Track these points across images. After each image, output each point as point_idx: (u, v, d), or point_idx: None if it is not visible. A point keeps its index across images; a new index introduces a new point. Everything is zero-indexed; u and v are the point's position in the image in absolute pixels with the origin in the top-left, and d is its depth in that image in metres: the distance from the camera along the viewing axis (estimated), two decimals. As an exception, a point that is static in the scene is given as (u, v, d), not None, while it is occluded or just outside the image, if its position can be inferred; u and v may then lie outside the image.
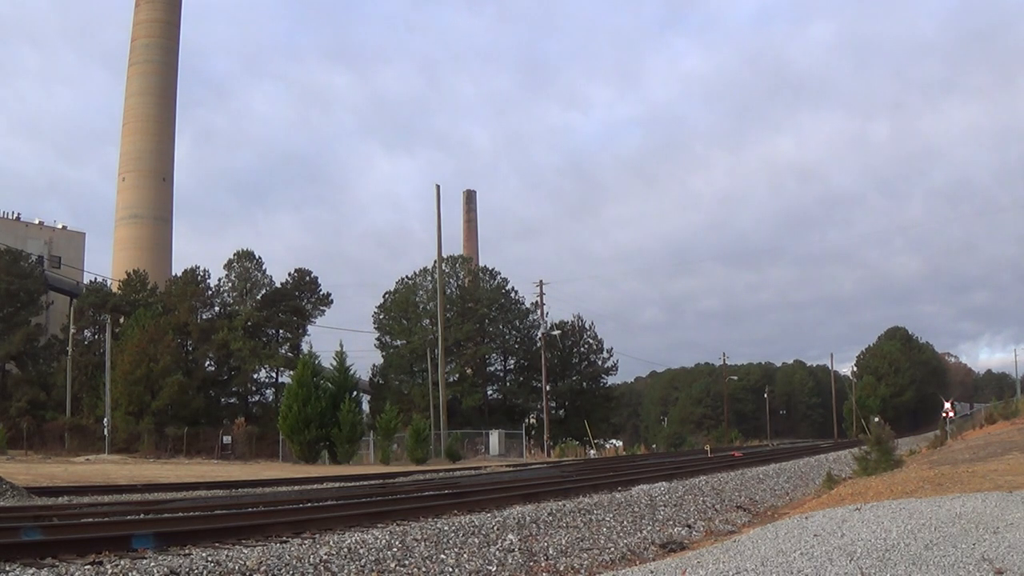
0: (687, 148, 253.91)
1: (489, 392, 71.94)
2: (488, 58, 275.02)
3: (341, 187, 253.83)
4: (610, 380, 78.52)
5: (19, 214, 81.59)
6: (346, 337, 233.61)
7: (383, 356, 70.69)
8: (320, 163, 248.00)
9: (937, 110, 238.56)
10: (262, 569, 7.81)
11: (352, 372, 43.01)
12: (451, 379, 64.34)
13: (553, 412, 69.01)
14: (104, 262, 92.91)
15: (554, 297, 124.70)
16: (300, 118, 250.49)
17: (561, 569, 9.07)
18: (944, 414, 38.84)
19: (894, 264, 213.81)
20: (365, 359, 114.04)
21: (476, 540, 10.06)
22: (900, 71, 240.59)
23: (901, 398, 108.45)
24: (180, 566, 7.59)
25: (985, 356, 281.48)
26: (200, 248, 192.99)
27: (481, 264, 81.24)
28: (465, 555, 9.23)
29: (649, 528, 12.19)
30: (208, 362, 62.48)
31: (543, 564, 9.26)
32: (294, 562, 8.15)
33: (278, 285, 64.45)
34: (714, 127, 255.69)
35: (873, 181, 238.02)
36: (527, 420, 68.97)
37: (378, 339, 70.84)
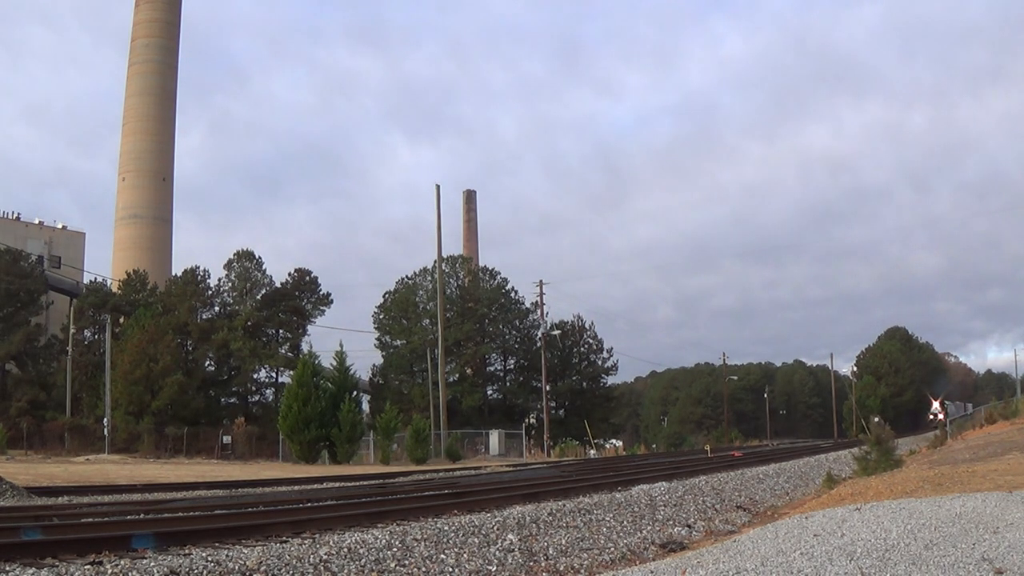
0: (719, 138, 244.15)
1: (489, 392, 71.95)
2: (522, 40, 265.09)
3: (359, 178, 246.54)
4: (610, 380, 78.80)
5: (19, 214, 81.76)
6: (346, 337, 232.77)
7: (383, 356, 70.76)
8: (338, 153, 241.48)
9: (978, 98, 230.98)
10: (262, 569, 7.81)
11: (352, 372, 43.05)
12: (451, 379, 64.36)
13: (553, 412, 68.98)
14: (104, 262, 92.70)
15: (565, 294, 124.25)
16: (321, 104, 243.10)
17: (561, 569, 9.08)
18: (931, 415, 34.95)
19: (913, 260, 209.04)
20: (365, 359, 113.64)
21: (476, 540, 10.06)
22: (945, 57, 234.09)
23: (901, 398, 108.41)
24: (180, 566, 7.59)
25: (993, 355, 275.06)
26: (209, 242, 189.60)
27: (490, 261, 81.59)
28: (465, 555, 9.23)
29: (649, 528, 12.19)
30: (208, 362, 62.53)
31: (543, 564, 9.26)
32: (294, 562, 8.15)
33: (278, 285, 64.54)
34: (749, 116, 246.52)
35: (904, 174, 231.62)
36: (527, 420, 68.94)
37: (378, 339, 70.95)
